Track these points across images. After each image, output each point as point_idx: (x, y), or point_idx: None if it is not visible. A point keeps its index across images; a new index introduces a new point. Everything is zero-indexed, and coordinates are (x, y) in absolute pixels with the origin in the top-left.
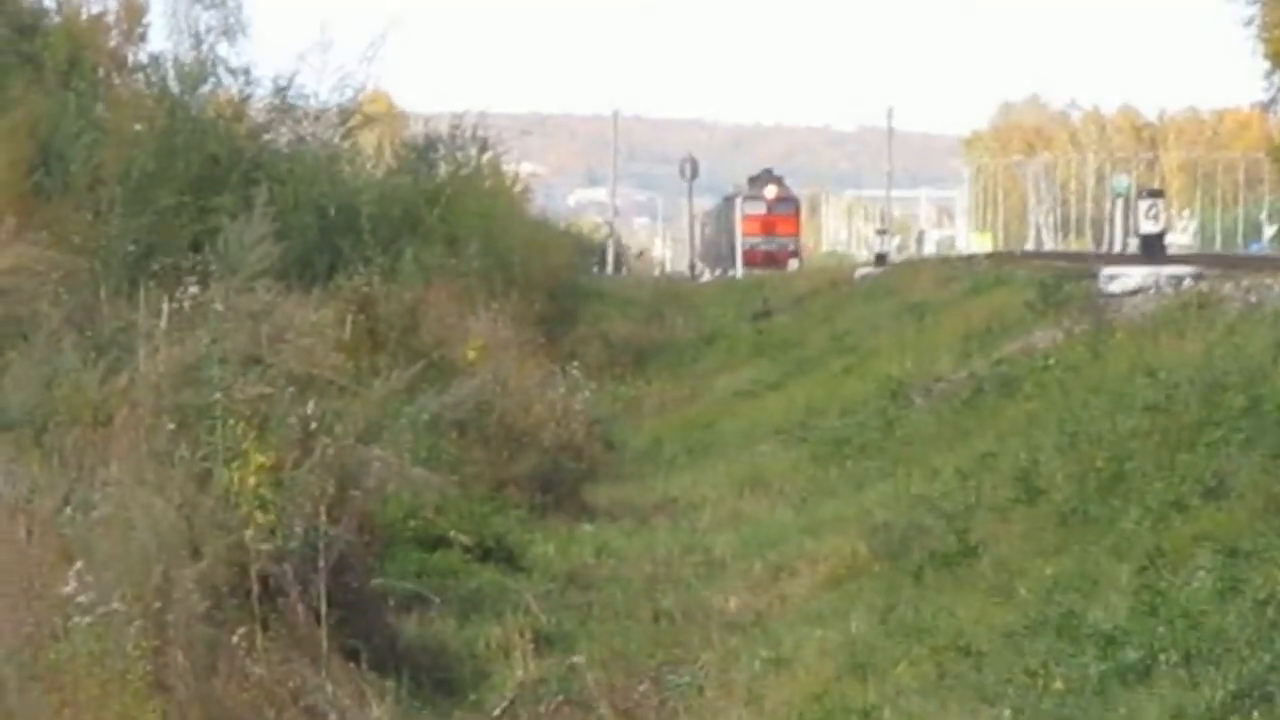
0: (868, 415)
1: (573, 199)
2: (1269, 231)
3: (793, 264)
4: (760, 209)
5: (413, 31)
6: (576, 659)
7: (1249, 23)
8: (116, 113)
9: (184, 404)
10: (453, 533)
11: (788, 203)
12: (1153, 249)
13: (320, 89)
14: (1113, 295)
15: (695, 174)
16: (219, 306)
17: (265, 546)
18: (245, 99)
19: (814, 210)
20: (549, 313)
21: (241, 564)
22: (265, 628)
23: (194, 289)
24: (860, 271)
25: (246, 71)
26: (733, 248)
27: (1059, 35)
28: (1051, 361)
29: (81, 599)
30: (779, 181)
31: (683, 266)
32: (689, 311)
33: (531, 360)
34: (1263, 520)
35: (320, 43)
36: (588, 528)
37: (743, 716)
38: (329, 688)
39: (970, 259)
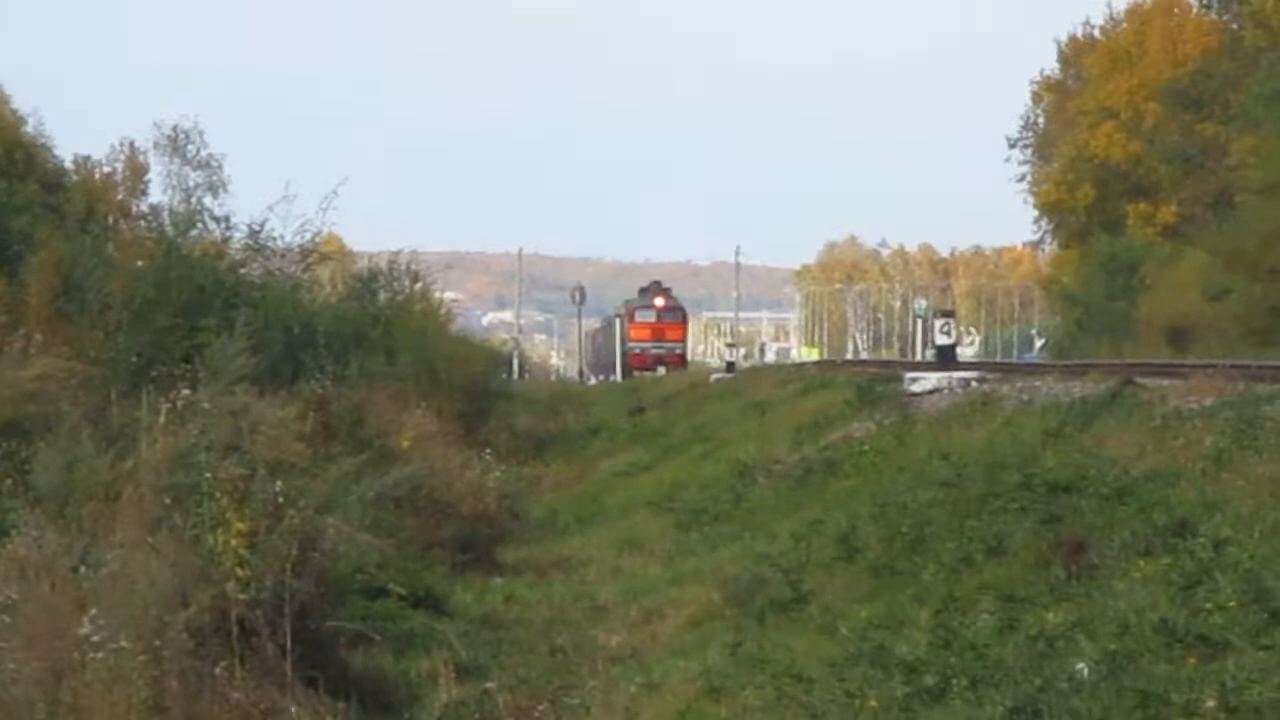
0: (721, 491)
1: (486, 320)
2: (1038, 344)
3: (661, 370)
4: (651, 317)
5: (358, 185)
6: (489, 685)
7: (1021, 179)
8: (123, 252)
9: (178, 483)
10: (391, 585)
11: (675, 311)
12: (946, 358)
13: (285, 232)
14: (914, 394)
15: (584, 300)
16: (206, 405)
17: (242, 596)
18: (226, 241)
19: None
20: (467, 410)
21: (223, 610)
22: (242, 661)
23: (186, 391)
24: (714, 377)
25: (227, 219)
26: (614, 357)
27: (873, 186)
28: (866, 447)
29: (95, 638)
30: (667, 293)
31: (574, 373)
32: (579, 409)
33: (454, 447)
34: (1033, 573)
35: (285, 196)
36: (498, 580)
37: None
38: (293, 709)
39: (801, 366)
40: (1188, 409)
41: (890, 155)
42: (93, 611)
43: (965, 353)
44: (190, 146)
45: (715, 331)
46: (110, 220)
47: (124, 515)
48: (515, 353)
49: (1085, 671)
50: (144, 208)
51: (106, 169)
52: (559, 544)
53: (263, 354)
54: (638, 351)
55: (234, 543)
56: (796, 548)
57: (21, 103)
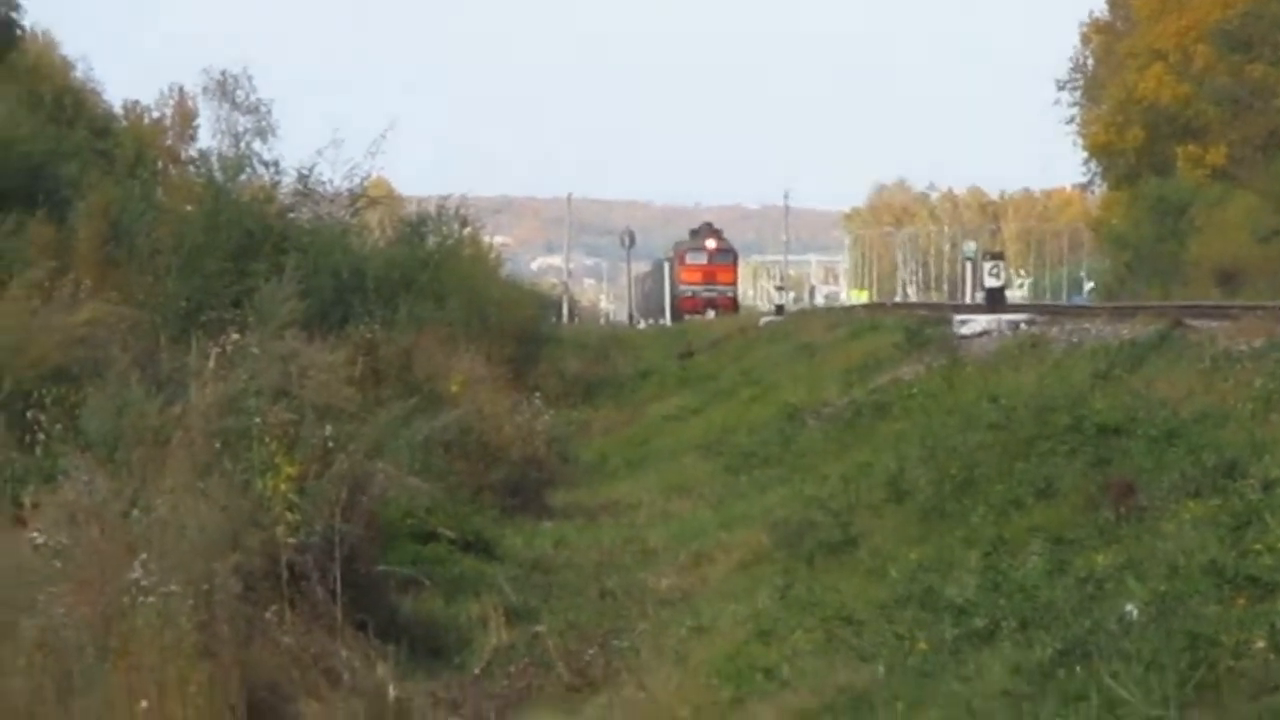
0: (770, 434)
1: (535, 264)
2: (1088, 286)
3: (710, 313)
4: (702, 259)
5: (407, 129)
6: (539, 629)
7: (1070, 120)
8: (172, 197)
9: (227, 428)
10: (441, 529)
11: (727, 254)
12: (995, 300)
13: (334, 177)
14: (964, 337)
15: (633, 243)
16: (255, 350)
17: (292, 540)
18: (275, 185)
19: None
20: (516, 354)
21: (273, 554)
22: (292, 605)
23: (235, 336)
24: (764, 320)
25: (275, 164)
26: (663, 301)
27: (921, 128)
28: (915, 390)
29: (145, 583)
30: (718, 234)
31: (623, 317)
32: (628, 353)
33: (503, 392)
34: (1083, 515)
35: (334, 140)
36: (548, 524)
37: (672, 674)
38: (343, 653)
39: (851, 309)
40: (1237, 351)
41: (939, 97)
42: (142, 556)
43: (1014, 295)
44: (239, 91)
45: (765, 275)
46: (159, 165)
47: (174, 460)
48: (564, 297)
49: (1134, 613)
50: (193, 153)
51: (155, 114)
52: (608, 488)
53: (312, 299)
54: (689, 294)
55: (283, 487)
56: (845, 490)
57: (71, 48)
